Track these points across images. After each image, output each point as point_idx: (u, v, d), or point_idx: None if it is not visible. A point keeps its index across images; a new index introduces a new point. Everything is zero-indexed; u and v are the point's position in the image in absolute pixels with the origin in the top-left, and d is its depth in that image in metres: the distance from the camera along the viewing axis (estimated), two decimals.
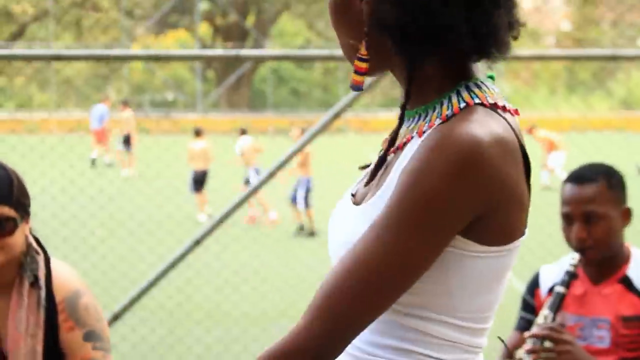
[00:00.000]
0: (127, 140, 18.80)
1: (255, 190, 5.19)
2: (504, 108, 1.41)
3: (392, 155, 1.47)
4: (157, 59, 6.82)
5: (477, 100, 1.38)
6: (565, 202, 2.76)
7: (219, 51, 7.11)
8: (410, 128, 1.46)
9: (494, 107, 1.40)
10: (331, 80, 32.92)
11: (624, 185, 2.80)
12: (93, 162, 19.33)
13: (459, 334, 1.41)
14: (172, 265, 5.02)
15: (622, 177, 2.81)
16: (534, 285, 2.93)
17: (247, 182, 12.75)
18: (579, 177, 2.77)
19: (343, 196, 1.58)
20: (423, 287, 1.38)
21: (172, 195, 12.81)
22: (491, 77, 1.49)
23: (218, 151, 14.11)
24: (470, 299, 1.40)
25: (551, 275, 2.89)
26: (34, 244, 2.62)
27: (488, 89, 1.43)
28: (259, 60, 5.03)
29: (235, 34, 31.36)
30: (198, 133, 14.08)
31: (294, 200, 12.12)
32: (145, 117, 26.63)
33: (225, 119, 25.40)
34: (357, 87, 1.48)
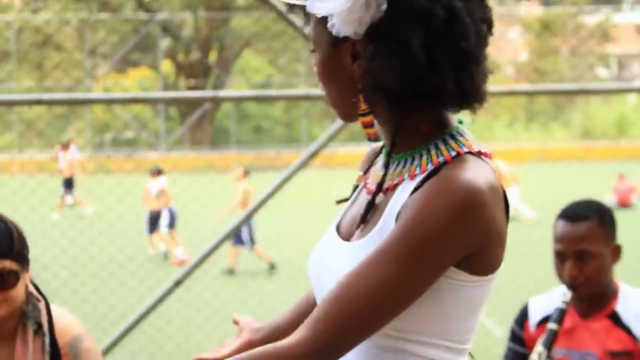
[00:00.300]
0: (69, 184, 18.46)
1: (234, 230, 5.23)
2: (485, 154, 1.58)
3: (381, 196, 1.61)
4: (141, 101, 6.86)
5: (465, 150, 1.55)
6: (558, 239, 2.83)
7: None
8: (398, 171, 1.60)
9: (479, 154, 1.56)
10: (294, 117, 33.07)
11: (615, 222, 2.88)
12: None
13: (449, 355, 1.56)
14: (153, 307, 5.08)
15: (613, 214, 2.88)
16: (523, 317, 2.99)
17: (169, 223, 12.87)
18: (571, 215, 2.84)
19: (327, 231, 1.72)
20: (419, 314, 1.52)
21: (133, 237, 12.82)
22: (460, 122, 1.63)
23: (179, 189, 14.12)
24: (460, 323, 1.55)
25: (540, 306, 2.95)
26: (34, 292, 2.70)
27: (468, 137, 1.59)
28: (233, 101, 5.10)
29: (198, 71, 31.44)
30: (158, 173, 14.08)
31: (238, 241, 11.85)
32: (107, 158, 26.58)
33: (188, 157, 25.41)
34: (375, 139, 1.64)
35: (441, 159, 1.54)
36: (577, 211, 2.85)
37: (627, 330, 2.83)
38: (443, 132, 1.58)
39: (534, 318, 2.96)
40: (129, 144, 31.70)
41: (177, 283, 5.06)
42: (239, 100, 5.32)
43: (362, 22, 1.53)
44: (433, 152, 1.56)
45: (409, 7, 1.51)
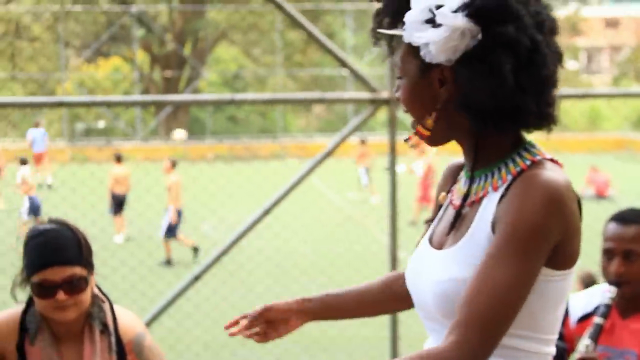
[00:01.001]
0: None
1: (253, 225, 5.28)
2: (555, 161, 1.80)
3: (467, 209, 1.83)
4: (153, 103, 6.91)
5: (539, 157, 1.78)
6: (608, 239, 3.00)
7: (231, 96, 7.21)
8: (481, 185, 1.82)
9: (551, 160, 1.78)
10: (269, 107, 33.09)
11: None
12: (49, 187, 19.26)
13: (539, 346, 1.76)
14: (172, 301, 5.19)
15: None
16: (564, 314, 3.12)
17: (31, 211, 13.19)
18: (622, 218, 3.05)
19: (420, 244, 1.94)
20: None
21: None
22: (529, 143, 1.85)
23: (152, 180, 14.25)
24: (545, 317, 1.75)
25: (580, 304, 3.10)
26: (99, 293, 2.88)
27: (538, 149, 1.81)
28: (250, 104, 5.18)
29: (173, 62, 31.36)
30: (119, 159, 14.91)
31: (169, 232, 12.43)
32: (83, 147, 26.49)
33: (164, 146, 25.36)
34: (413, 146, 1.87)
35: (518, 168, 1.77)
36: (628, 215, 3.06)
37: None
38: (518, 147, 1.81)
39: (574, 315, 3.10)
40: (103, 133, 31.59)
41: (197, 277, 5.18)
42: (253, 103, 5.37)
43: (456, 50, 1.72)
44: (511, 165, 1.78)
45: (501, 37, 1.71)
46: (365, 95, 5.29)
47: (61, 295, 2.72)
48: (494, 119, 1.75)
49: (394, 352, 5.54)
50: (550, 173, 1.73)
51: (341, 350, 8.48)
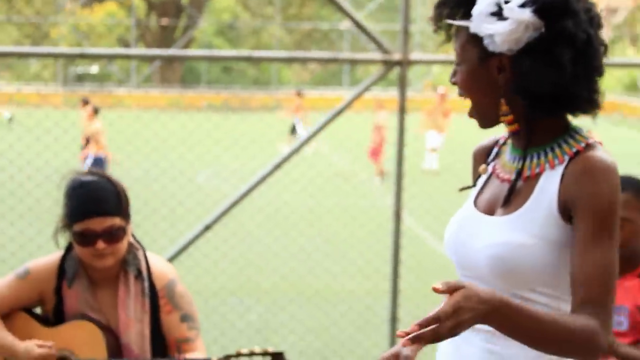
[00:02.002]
0: None
1: (265, 178, 5.39)
2: (599, 143, 1.98)
3: (521, 182, 2.01)
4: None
5: (590, 141, 1.98)
6: None
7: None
8: (535, 162, 2.00)
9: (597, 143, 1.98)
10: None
11: None
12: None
13: (559, 303, 1.97)
14: (184, 248, 5.38)
15: None
16: None
17: None
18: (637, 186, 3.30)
19: (463, 206, 2.13)
20: (544, 273, 1.95)
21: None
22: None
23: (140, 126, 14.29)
24: (567, 277, 1.93)
25: None
26: (134, 241, 3.03)
27: (585, 133, 2.01)
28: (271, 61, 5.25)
29: (170, 10, 31.22)
30: (86, 102, 14.58)
31: None
32: (73, 92, 26.45)
33: (159, 94, 25.37)
34: (515, 133, 2.03)
35: (574, 149, 1.96)
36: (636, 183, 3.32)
37: None
38: (567, 130, 2.00)
39: None
40: (96, 79, 31.52)
41: (207, 227, 5.33)
42: (271, 60, 5.48)
43: (519, 41, 1.90)
44: (565, 146, 1.97)
45: (562, 31, 1.90)
46: (377, 56, 5.39)
47: (101, 244, 2.88)
48: (550, 103, 1.94)
49: (394, 305, 5.69)
50: (607, 155, 1.95)
51: (342, 302, 8.68)
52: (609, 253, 1.90)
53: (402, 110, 5.38)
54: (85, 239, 2.89)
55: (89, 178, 2.92)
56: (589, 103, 1.98)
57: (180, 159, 13.08)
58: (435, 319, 1.68)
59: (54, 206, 3.20)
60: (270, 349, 2.91)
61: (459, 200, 2.22)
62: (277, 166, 5.40)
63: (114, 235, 2.89)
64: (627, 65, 6.90)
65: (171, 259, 5.31)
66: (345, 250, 9.31)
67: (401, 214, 5.58)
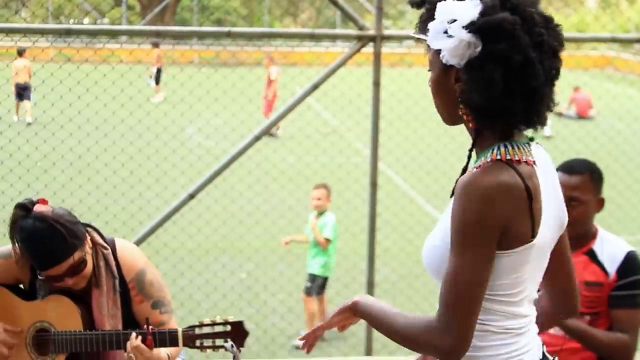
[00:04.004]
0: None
1: (251, 144, 5.59)
2: (519, 162, 2.13)
3: None
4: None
5: (498, 157, 2.13)
6: None
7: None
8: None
9: (509, 162, 2.12)
10: (257, 12, 32.99)
11: (603, 178, 3.55)
12: None
13: (499, 305, 2.17)
14: (168, 216, 5.56)
15: (602, 172, 3.54)
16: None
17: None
18: (568, 168, 3.50)
19: None
20: None
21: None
22: (531, 139, 2.24)
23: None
24: (501, 281, 2.14)
25: None
26: (100, 241, 3.19)
27: (517, 148, 2.16)
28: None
29: None
30: (21, 53, 16.80)
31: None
32: (67, 46, 26.35)
33: (150, 48, 25.32)
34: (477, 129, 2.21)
35: (483, 163, 2.14)
36: (574, 165, 3.52)
37: (601, 266, 3.49)
38: (504, 140, 2.17)
39: None
40: (88, 33, 31.37)
41: (192, 196, 5.53)
42: (250, 37, 5.64)
43: (463, 57, 2.12)
44: (482, 158, 2.16)
45: (494, 51, 2.09)
46: (352, 32, 5.55)
47: (68, 281, 3.11)
48: (487, 115, 2.14)
49: (371, 270, 5.90)
50: (483, 176, 2.10)
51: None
52: (459, 265, 2.08)
53: (377, 84, 5.56)
54: (52, 279, 3.10)
55: (34, 228, 3.03)
56: (526, 118, 2.15)
57: (169, 114, 13.17)
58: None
59: None
60: (231, 319, 3.09)
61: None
62: (257, 137, 5.58)
63: (78, 268, 3.09)
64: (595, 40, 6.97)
65: (159, 224, 5.52)
66: (331, 209, 9.47)
67: (377, 183, 5.78)
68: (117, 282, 3.17)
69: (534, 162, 2.18)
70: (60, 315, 3.16)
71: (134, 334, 3.03)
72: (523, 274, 2.17)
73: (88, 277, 3.14)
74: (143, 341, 3.01)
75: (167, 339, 3.05)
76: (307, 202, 11.00)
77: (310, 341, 2.45)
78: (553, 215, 2.23)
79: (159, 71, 20.86)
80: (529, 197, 2.13)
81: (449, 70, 2.17)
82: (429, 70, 2.25)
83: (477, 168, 2.15)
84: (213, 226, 8.99)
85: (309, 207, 10.46)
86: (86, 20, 32.88)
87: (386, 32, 5.52)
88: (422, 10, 2.23)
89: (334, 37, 6.01)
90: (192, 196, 5.61)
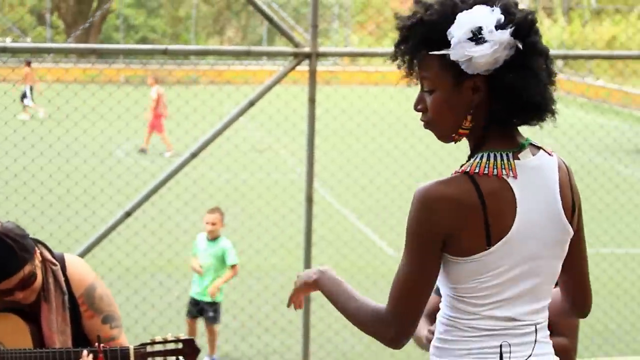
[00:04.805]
0: None
1: (182, 166, 5.62)
2: (488, 175, 2.19)
3: None
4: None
5: (467, 169, 2.20)
6: None
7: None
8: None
9: (475, 174, 2.18)
10: (182, 30, 32.92)
11: None
12: None
13: (462, 305, 2.27)
14: (104, 235, 5.57)
15: None
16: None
17: None
18: None
19: None
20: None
21: None
22: (527, 140, 2.27)
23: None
24: (463, 285, 2.25)
25: None
26: (49, 257, 3.20)
27: (498, 159, 2.21)
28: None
29: None
30: None
31: None
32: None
33: (76, 67, 25.09)
34: (454, 142, 2.28)
35: (454, 171, 2.23)
36: None
37: None
38: (488, 150, 2.22)
39: None
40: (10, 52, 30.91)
41: (128, 214, 5.54)
42: (186, 54, 5.68)
43: (498, 59, 2.15)
44: (467, 164, 2.23)
45: (533, 45, 2.17)
46: (288, 49, 5.65)
47: (19, 295, 3.11)
48: (528, 110, 2.20)
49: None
50: (436, 187, 2.19)
51: (265, 277, 8.94)
52: (407, 268, 2.23)
53: (313, 100, 5.67)
54: (2, 293, 3.10)
55: None
56: (550, 110, 2.24)
57: (101, 134, 13.09)
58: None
59: None
60: (182, 336, 3.14)
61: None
62: (194, 155, 5.62)
63: (27, 282, 3.09)
64: None
65: (96, 242, 5.53)
66: (267, 226, 9.55)
67: (312, 198, 5.88)
68: (66, 298, 3.16)
69: (511, 174, 2.21)
70: (10, 332, 3.15)
71: (85, 352, 3.04)
72: (491, 279, 2.23)
73: (38, 291, 3.15)
74: (94, 359, 3.04)
75: (119, 356, 3.07)
76: (243, 218, 11.11)
77: (298, 301, 2.60)
78: (541, 222, 2.25)
79: (30, 89, 21.11)
80: (484, 210, 2.17)
81: (462, 84, 2.19)
82: (428, 92, 2.24)
83: (453, 173, 2.23)
84: (150, 244, 8.98)
85: (246, 223, 10.56)
86: (8, 40, 32.48)
87: (321, 49, 5.63)
88: (400, 35, 2.24)
89: (269, 55, 6.07)
90: (128, 214, 5.63)
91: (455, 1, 2.20)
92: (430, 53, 2.20)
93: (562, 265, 2.33)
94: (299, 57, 5.59)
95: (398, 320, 2.25)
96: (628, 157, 16.23)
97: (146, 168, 11.05)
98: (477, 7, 2.18)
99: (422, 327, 3.60)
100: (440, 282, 2.31)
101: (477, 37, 2.14)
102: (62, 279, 3.18)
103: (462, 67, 2.16)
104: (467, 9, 2.18)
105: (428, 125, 2.29)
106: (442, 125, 2.26)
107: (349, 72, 23.65)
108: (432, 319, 3.74)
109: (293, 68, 5.64)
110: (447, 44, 2.17)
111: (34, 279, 3.11)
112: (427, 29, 2.19)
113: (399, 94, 14.22)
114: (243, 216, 11.21)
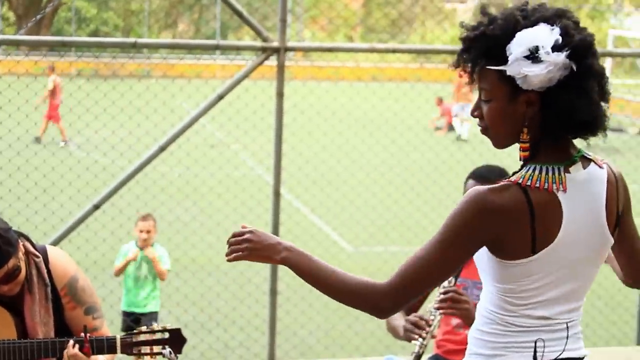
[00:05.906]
0: None
1: (149, 160, 5.62)
2: (539, 188, 2.27)
3: None
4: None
5: (520, 181, 2.28)
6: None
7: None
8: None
9: (523, 186, 2.27)
10: (135, 23, 32.66)
11: None
12: None
13: (506, 305, 2.36)
14: (72, 227, 5.56)
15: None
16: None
17: None
18: (479, 175, 3.70)
19: None
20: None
21: None
22: (579, 151, 2.37)
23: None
24: (511, 288, 2.34)
25: None
26: (32, 250, 3.20)
27: (547, 173, 2.29)
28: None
29: None
30: None
31: None
32: None
33: (27, 60, 24.80)
34: (525, 159, 2.34)
35: (507, 179, 2.32)
36: (483, 172, 3.72)
37: None
38: (539, 163, 2.31)
39: None
40: None
41: (96, 207, 5.52)
42: (156, 47, 5.73)
43: (552, 79, 2.24)
44: (519, 173, 2.32)
45: (589, 68, 2.26)
46: (257, 43, 5.67)
47: (3, 288, 3.13)
48: (578, 128, 2.29)
49: (274, 279, 6.01)
50: (492, 194, 2.28)
51: (224, 275, 8.95)
52: (428, 250, 2.29)
53: (281, 95, 5.70)
54: None
55: None
56: (601, 125, 2.32)
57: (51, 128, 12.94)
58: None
59: None
60: (168, 326, 3.18)
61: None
62: (163, 148, 5.63)
63: (12, 275, 3.11)
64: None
65: (64, 234, 5.52)
66: (223, 222, 9.53)
67: (280, 192, 5.91)
68: (49, 289, 3.19)
69: (561, 188, 2.30)
70: None
71: (71, 342, 3.06)
72: (531, 283, 2.33)
73: (21, 283, 3.16)
74: (80, 349, 3.05)
75: (105, 346, 3.09)
76: (211, 212, 11.08)
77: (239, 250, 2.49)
78: (585, 234, 2.35)
79: None
80: (532, 220, 2.28)
81: (517, 97, 2.28)
82: (485, 101, 2.34)
83: (505, 181, 2.31)
84: (118, 237, 8.92)
85: (214, 217, 10.52)
86: None
87: (290, 44, 5.66)
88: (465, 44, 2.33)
89: (239, 49, 6.08)
90: (96, 207, 5.62)
91: (518, 17, 2.29)
92: (488, 68, 2.30)
93: (617, 246, 2.47)
94: (268, 51, 5.62)
95: (400, 293, 2.31)
96: None
97: (115, 160, 10.95)
98: (538, 26, 2.26)
99: (399, 317, 3.67)
100: (485, 278, 2.41)
101: (533, 56, 2.23)
102: (44, 271, 3.20)
103: (518, 82, 2.26)
104: (529, 26, 2.26)
105: (484, 131, 2.39)
106: (496, 133, 2.36)
107: (313, 67, 23.68)
108: (407, 310, 3.81)
109: (261, 62, 5.67)
110: (506, 59, 2.27)
111: (18, 272, 3.11)
112: (488, 43, 2.29)
113: (364, 90, 14.31)
114: (212, 211, 11.20)
